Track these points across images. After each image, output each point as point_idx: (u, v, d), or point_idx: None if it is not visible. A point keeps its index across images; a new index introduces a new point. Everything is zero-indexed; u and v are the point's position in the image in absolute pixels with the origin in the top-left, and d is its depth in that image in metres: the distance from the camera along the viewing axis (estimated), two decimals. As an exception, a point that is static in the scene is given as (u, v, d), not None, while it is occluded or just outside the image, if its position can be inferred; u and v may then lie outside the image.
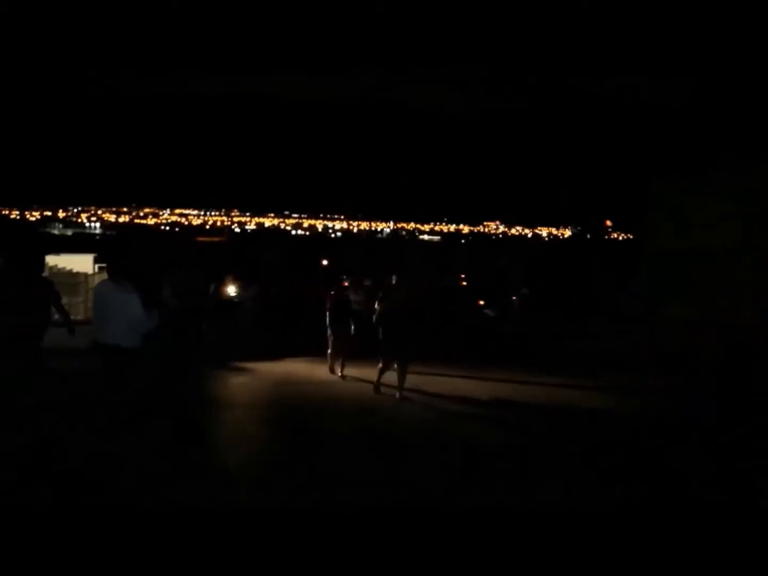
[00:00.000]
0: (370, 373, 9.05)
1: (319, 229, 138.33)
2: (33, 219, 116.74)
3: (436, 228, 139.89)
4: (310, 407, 7.36)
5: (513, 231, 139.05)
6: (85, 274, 14.45)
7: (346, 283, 10.42)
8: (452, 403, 7.58)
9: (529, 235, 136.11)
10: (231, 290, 12.00)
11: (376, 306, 8.72)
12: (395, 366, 8.35)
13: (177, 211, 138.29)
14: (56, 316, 6.40)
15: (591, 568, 3.62)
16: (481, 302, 18.13)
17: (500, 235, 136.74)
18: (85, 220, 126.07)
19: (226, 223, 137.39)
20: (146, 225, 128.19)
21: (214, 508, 4.23)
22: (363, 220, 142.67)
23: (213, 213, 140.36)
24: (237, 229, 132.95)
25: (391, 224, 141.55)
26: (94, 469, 4.65)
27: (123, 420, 5.27)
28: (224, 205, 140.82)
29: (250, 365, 9.63)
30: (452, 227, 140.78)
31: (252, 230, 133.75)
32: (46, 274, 14.07)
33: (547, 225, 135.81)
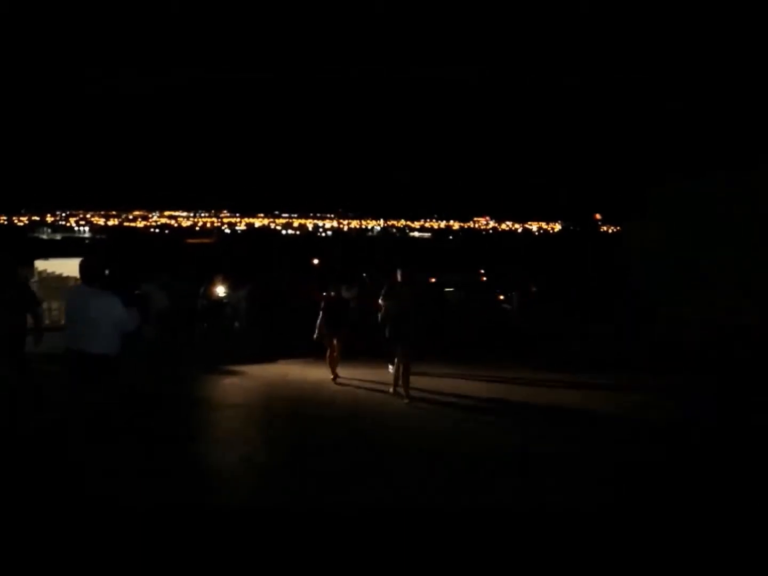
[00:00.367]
0: (365, 373, 9.00)
1: (310, 229, 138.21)
2: (21, 224, 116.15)
3: (427, 225, 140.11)
4: (310, 413, 7.12)
5: (503, 226, 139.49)
6: (75, 279, 14.46)
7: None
8: (469, 407, 7.32)
9: (520, 230, 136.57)
10: (220, 290, 12.04)
11: (380, 302, 8.46)
12: (393, 365, 8.13)
13: (166, 213, 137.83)
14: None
15: (591, 568, 3.58)
16: (501, 297, 18.33)
17: (490, 231, 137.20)
18: (73, 224, 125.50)
19: (215, 224, 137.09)
20: (135, 228, 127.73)
21: (206, 510, 4.20)
22: (353, 218, 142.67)
23: (202, 214, 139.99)
24: (227, 230, 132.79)
25: (382, 222, 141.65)
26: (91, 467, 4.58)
27: (112, 426, 5.01)
28: (213, 206, 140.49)
29: (242, 368, 9.48)
30: (443, 224, 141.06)
31: (242, 231, 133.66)
32: (35, 279, 14.18)
33: (537, 220, 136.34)
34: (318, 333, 8.88)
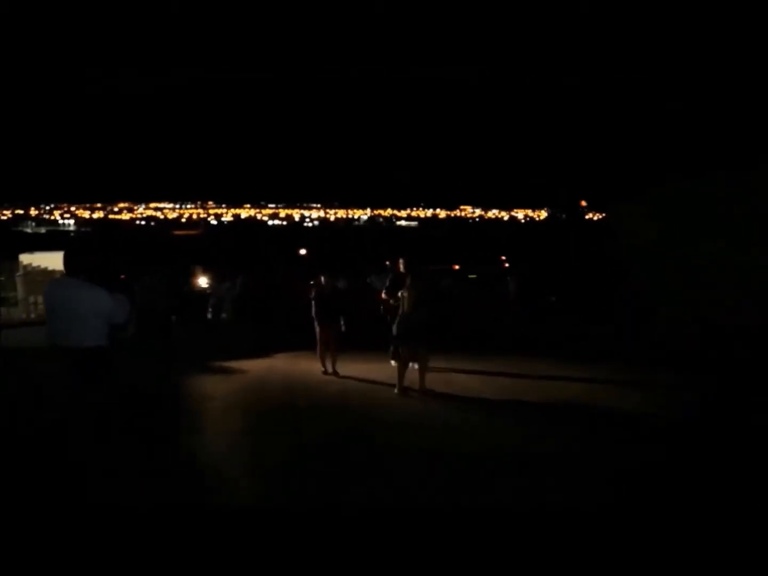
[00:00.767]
0: (364, 369, 8.89)
1: (296, 219, 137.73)
2: (4, 218, 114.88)
3: (413, 214, 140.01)
4: (305, 408, 7.04)
5: (489, 214, 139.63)
6: (61, 272, 14.57)
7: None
8: (468, 404, 7.18)
9: (506, 218, 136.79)
10: (202, 281, 12.05)
11: (384, 294, 8.19)
12: (397, 361, 7.88)
13: (152, 205, 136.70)
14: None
15: (591, 568, 3.59)
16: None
17: (477, 219, 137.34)
18: (58, 218, 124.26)
19: (202, 216, 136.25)
20: (121, 220, 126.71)
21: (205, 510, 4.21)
22: (339, 207, 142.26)
23: (188, 206, 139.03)
24: (213, 221, 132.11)
25: (368, 211, 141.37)
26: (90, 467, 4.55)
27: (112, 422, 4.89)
28: (199, 197, 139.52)
29: (230, 364, 9.30)
30: (429, 212, 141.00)
31: (229, 222, 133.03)
32: (20, 273, 14.33)
33: (523, 207, 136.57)
34: (316, 325, 8.64)
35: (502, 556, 3.67)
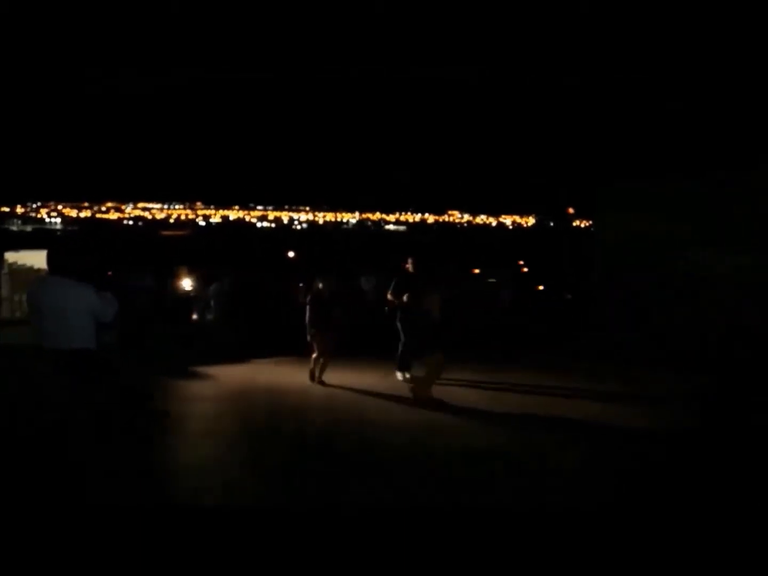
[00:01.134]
0: (352, 378, 8.46)
1: (285, 221, 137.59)
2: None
3: (402, 218, 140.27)
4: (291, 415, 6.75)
5: (478, 220, 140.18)
6: (46, 271, 14.55)
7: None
8: (468, 414, 6.85)
9: (494, 224, 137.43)
10: (186, 284, 11.95)
11: (389, 296, 7.80)
12: (404, 373, 7.64)
13: (140, 205, 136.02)
14: None
15: (591, 568, 3.58)
16: (541, 287, 18.66)
17: (465, 224, 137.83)
18: (45, 216, 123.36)
19: (190, 217, 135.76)
20: (108, 220, 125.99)
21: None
22: (328, 210, 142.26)
23: (176, 207, 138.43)
24: (202, 222, 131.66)
25: (357, 215, 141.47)
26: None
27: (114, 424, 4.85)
28: (188, 198, 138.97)
29: (211, 370, 9.02)
30: (417, 217, 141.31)
31: (217, 223, 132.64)
32: (5, 271, 14.30)
33: (511, 213, 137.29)
34: (308, 331, 8.15)
35: (502, 556, 3.68)
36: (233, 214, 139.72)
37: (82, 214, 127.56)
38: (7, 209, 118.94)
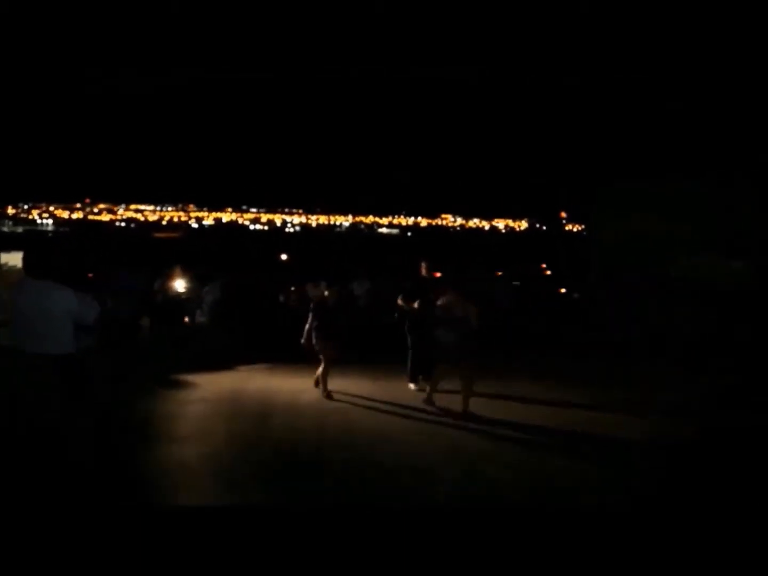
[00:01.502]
0: (349, 384, 8.27)
1: (278, 224, 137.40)
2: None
3: (395, 221, 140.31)
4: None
5: (470, 224, 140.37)
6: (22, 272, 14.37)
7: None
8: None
9: (487, 228, 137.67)
10: (179, 285, 11.83)
11: (400, 302, 7.52)
12: (421, 382, 7.42)
13: (132, 206, 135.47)
14: None
15: (591, 568, 3.61)
16: (563, 290, 18.58)
17: (458, 228, 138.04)
18: (36, 217, 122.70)
19: (183, 219, 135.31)
20: (100, 221, 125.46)
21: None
22: (321, 213, 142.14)
23: (169, 209, 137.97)
24: (194, 225, 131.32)
25: (350, 218, 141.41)
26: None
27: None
28: (180, 200, 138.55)
29: (206, 378, 8.80)
30: (410, 220, 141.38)
31: (210, 225, 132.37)
32: (-5, 272, 14.14)
33: (503, 217, 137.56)
34: (305, 339, 7.77)
35: (502, 556, 3.70)
36: (226, 217, 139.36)
37: (74, 216, 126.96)
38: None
